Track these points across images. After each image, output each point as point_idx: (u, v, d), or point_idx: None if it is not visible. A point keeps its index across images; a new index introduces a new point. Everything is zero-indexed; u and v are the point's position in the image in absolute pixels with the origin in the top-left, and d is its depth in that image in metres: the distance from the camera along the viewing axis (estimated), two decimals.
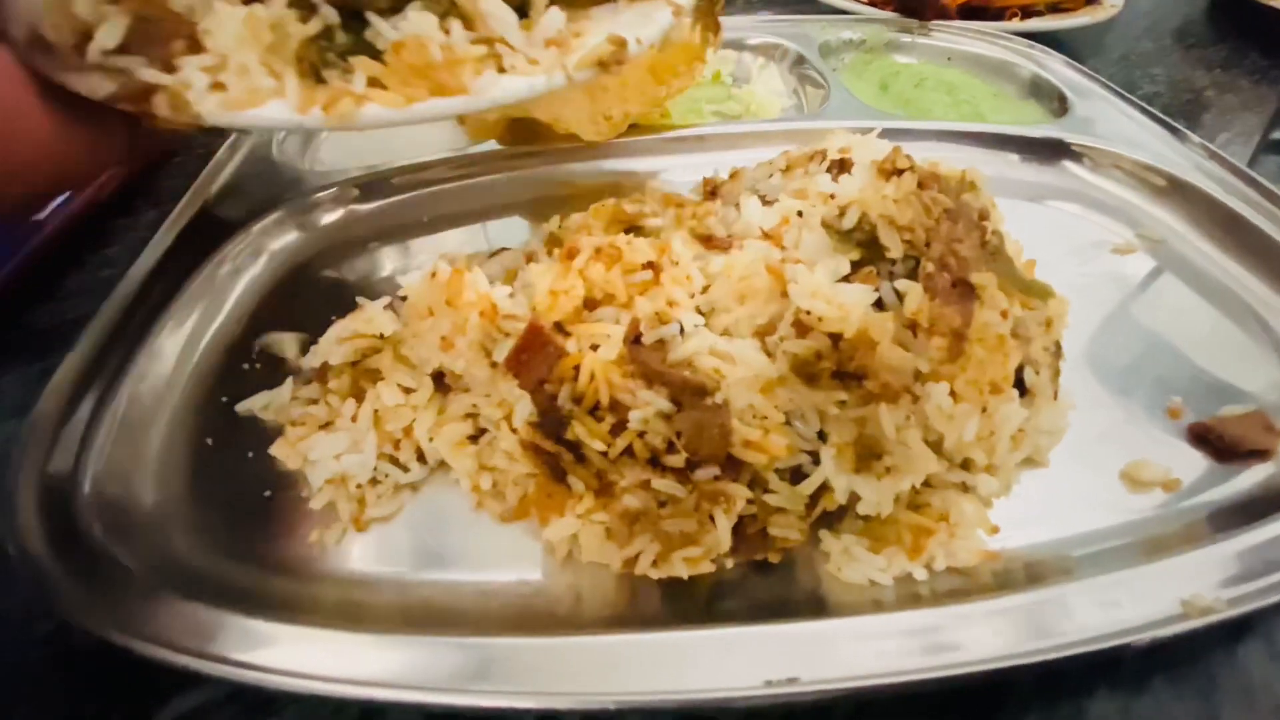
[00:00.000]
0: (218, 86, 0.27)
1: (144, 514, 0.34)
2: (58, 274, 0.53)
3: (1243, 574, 0.31)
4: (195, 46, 0.27)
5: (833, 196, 0.35)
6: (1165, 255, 0.52)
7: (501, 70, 0.28)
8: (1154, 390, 0.42)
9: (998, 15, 0.82)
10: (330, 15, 0.27)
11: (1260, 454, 0.38)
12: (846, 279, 0.32)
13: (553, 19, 0.29)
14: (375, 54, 0.27)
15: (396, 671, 0.27)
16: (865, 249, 0.33)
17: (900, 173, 0.35)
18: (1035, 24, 0.81)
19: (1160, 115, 0.61)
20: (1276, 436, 0.38)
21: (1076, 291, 0.47)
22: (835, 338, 0.30)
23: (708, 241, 0.39)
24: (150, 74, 0.26)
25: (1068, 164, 0.58)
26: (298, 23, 0.26)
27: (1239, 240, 0.50)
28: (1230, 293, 0.48)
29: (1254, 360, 0.43)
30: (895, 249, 0.32)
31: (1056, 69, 0.70)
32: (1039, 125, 0.62)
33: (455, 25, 0.27)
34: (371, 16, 0.27)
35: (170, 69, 0.26)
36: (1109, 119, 0.62)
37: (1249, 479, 0.37)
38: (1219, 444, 0.38)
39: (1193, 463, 0.38)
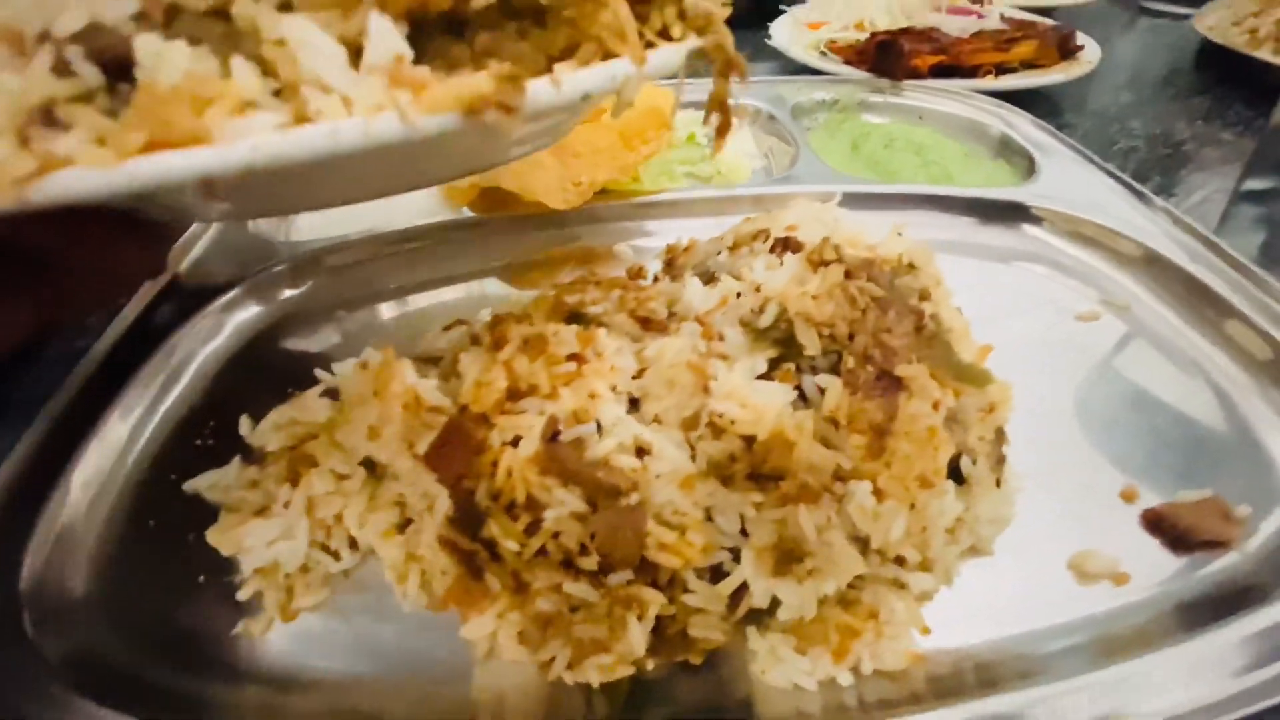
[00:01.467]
0: None
1: (75, 603, 0.35)
2: (39, 342, 0.55)
3: (1186, 687, 0.29)
4: None
5: (758, 289, 0.35)
6: (1130, 323, 0.51)
7: (303, 119, 0.19)
8: (1110, 470, 0.41)
9: (971, 73, 0.83)
10: (88, 73, 0.20)
11: (1217, 545, 0.36)
12: (767, 375, 0.32)
13: (383, 40, 0.20)
14: None
15: None
16: (783, 346, 0.33)
17: (829, 264, 0.35)
18: (1008, 82, 0.82)
19: (1126, 179, 0.60)
20: (1235, 526, 0.37)
21: (1037, 361, 0.47)
22: (749, 439, 0.30)
23: (646, 324, 0.40)
24: None
25: (1031, 228, 0.58)
26: (44, 85, 0.20)
27: (1204, 310, 0.49)
28: (1195, 365, 0.47)
29: (1216, 440, 0.42)
30: (812, 346, 0.32)
31: (1024, 129, 0.70)
32: (1003, 188, 0.63)
33: (240, 64, 0.20)
34: (138, 48, 0.20)
35: None
36: (1075, 181, 0.61)
37: (1207, 572, 0.36)
38: (1172, 533, 0.37)
39: (1148, 552, 0.37)
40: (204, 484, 0.40)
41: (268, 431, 0.39)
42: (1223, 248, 0.51)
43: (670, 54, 0.24)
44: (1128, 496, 0.39)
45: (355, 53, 0.20)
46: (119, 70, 0.20)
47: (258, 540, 0.36)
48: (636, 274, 0.56)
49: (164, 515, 0.39)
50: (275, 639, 0.34)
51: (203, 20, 0.21)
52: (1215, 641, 0.31)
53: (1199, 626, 0.32)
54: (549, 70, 0.21)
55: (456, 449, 0.32)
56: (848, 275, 0.36)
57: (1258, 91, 0.90)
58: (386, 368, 0.35)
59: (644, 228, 0.63)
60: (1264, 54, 0.90)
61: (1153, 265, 0.53)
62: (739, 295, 0.38)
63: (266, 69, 0.20)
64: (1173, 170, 0.75)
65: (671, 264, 0.52)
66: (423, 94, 0.19)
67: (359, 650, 0.34)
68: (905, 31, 0.85)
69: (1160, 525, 0.37)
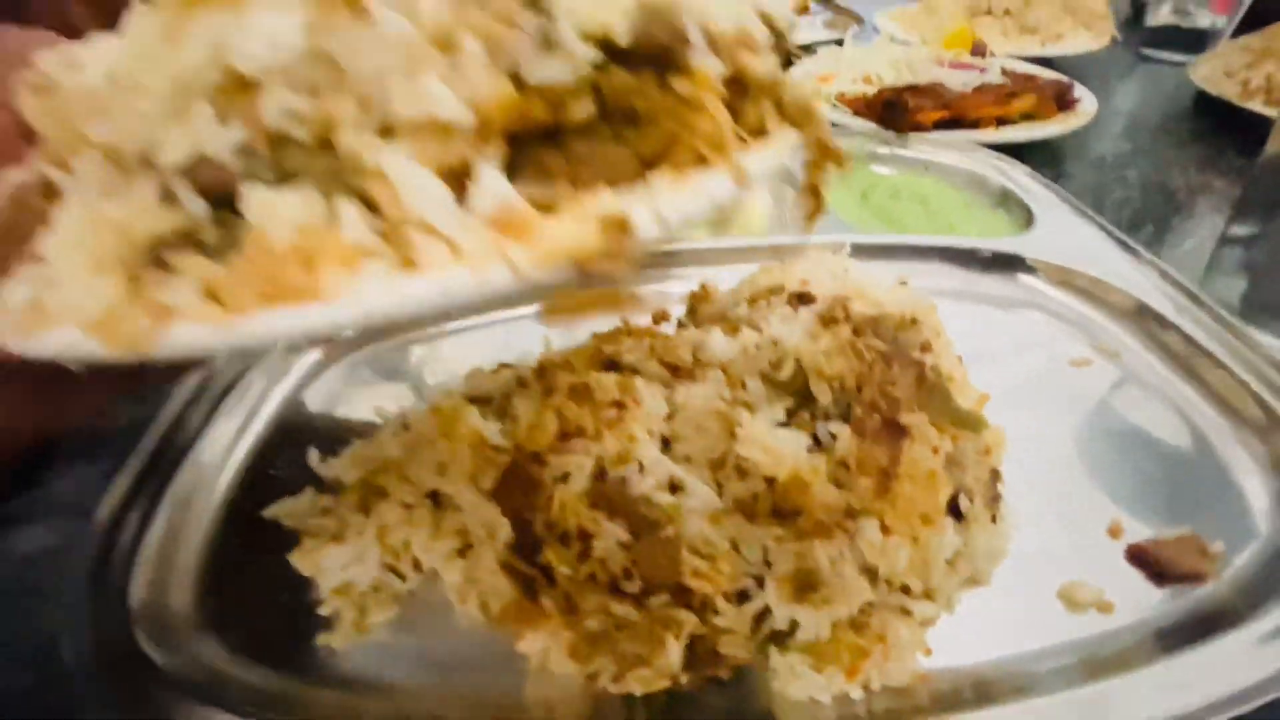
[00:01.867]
0: (33, 303, 0.21)
1: (179, 618, 0.39)
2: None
3: (1163, 702, 0.33)
4: None
5: (776, 344, 0.40)
6: (1120, 371, 0.55)
7: (410, 265, 0.19)
8: (1098, 508, 0.45)
9: (974, 125, 0.89)
10: (195, 208, 0.20)
11: (1194, 578, 0.40)
12: (786, 423, 0.37)
13: (492, 187, 0.20)
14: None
15: None
16: (799, 396, 0.38)
17: (838, 321, 0.40)
18: (1008, 135, 0.87)
19: (1117, 233, 0.65)
20: (1210, 561, 0.41)
21: (1032, 404, 0.51)
22: (770, 480, 0.35)
23: (675, 371, 0.45)
24: None
25: (1027, 277, 0.63)
26: (150, 217, 0.20)
27: (1188, 359, 0.53)
28: (1178, 411, 0.51)
29: (1196, 481, 0.46)
30: (824, 398, 0.37)
31: (1022, 181, 0.75)
32: (1001, 239, 0.67)
33: (348, 208, 0.19)
34: (246, 200, 0.20)
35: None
36: (1069, 234, 0.66)
37: (1184, 602, 0.39)
38: (1154, 566, 0.41)
39: (1131, 583, 0.41)
40: (281, 510, 0.45)
41: (343, 465, 0.44)
42: (1205, 301, 0.55)
43: (772, 160, 0.23)
44: (1114, 532, 0.43)
45: (451, 177, 0.20)
46: (223, 199, 0.21)
47: (334, 563, 0.41)
48: (660, 318, 0.61)
49: (248, 539, 0.44)
50: (351, 650, 0.39)
51: (307, 152, 0.21)
52: (1189, 662, 0.35)
53: (1175, 650, 0.36)
54: (643, 174, 0.21)
55: (517, 485, 0.37)
56: (855, 332, 0.41)
57: (1249, 140, 0.94)
58: (455, 411, 0.40)
59: (668, 274, 0.68)
60: (1255, 105, 0.95)
61: (1141, 316, 0.57)
62: (758, 347, 0.43)
63: (370, 204, 0.20)
64: (1166, 218, 0.79)
65: (694, 311, 0.57)
66: (530, 242, 0.19)
67: (424, 661, 0.38)
68: (911, 88, 0.90)
69: (1143, 559, 0.41)
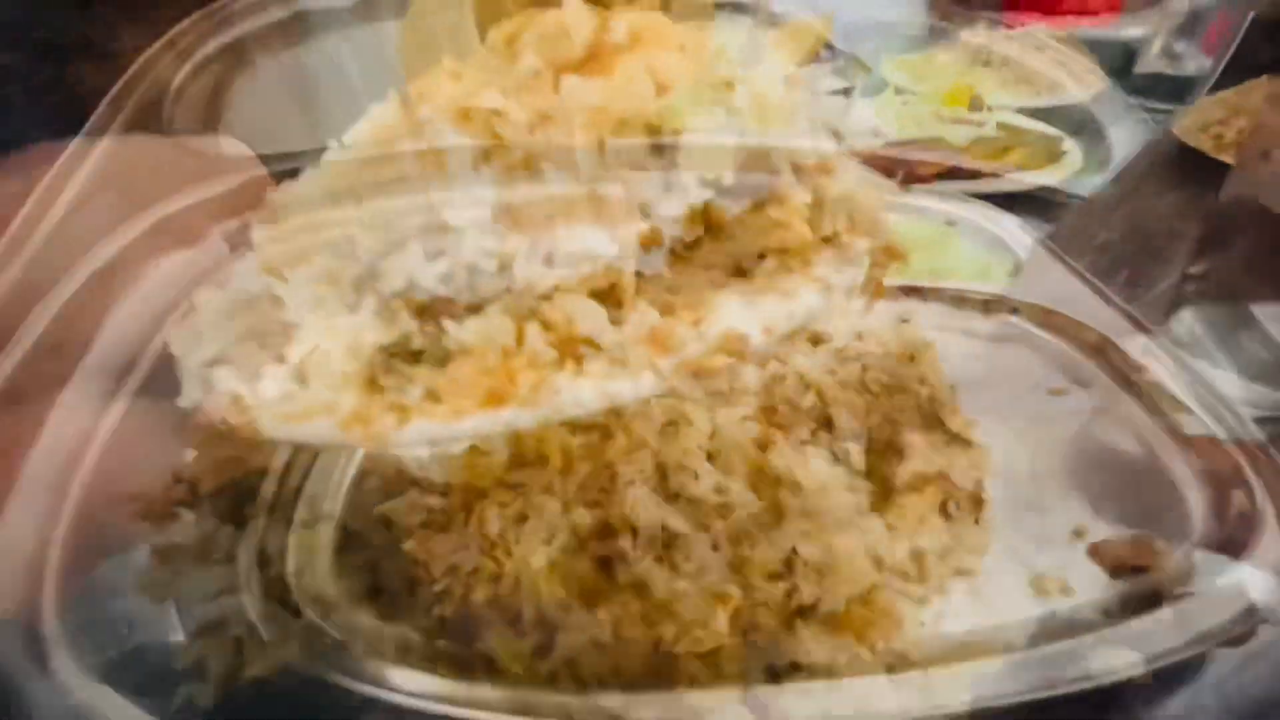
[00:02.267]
0: (288, 397, 0.25)
1: (327, 592, 0.50)
2: None
3: (1109, 658, 0.43)
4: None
5: (801, 376, 0.50)
6: (1091, 399, 0.64)
7: (580, 373, 0.24)
8: (1065, 513, 0.54)
9: (972, 176, 0.99)
10: (406, 323, 0.25)
11: (1143, 570, 0.49)
12: (811, 441, 0.47)
13: (645, 315, 0.25)
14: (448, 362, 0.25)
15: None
16: (820, 419, 0.48)
17: (850, 359, 0.50)
18: (1001, 185, 0.97)
19: (1091, 279, 0.75)
20: (1155, 556, 0.50)
21: (1014, 425, 0.61)
22: (798, 488, 0.44)
23: (714, 395, 0.55)
24: (233, 384, 0.25)
25: (1013, 317, 0.73)
26: (374, 330, 0.25)
27: (1147, 392, 0.63)
28: (1137, 433, 0.60)
29: (1147, 492, 0.55)
30: (841, 422, 0.47)
31: (1010, 230, 0.85)
32: (992, 283, 0.77)
33: (531, 328, 0.24)
34: (445, 322, 0.25)
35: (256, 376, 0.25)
36: (1051, 278, 0.76)
37: (1130, 586, 0.49)
38: (1110, 561, 0.50)
39: (1091, 575, 0.50)
40: (392, 508, 0.56)
41: (444, 470, 0.55)
42: (1162, 341, 0.65)
43: (850, 273, 0.28)
44: (1078, 533, 0.52)
45: (599, 294, 0.25)
46: (425, 313, 0.25)
47: (441, 550, 0.51)
48: None
49: (368, 531, 0.55)
50: (460, 618, 0.49)
51: (491, 279, 0.26)
52: (1130, 629, 0.44)
53: (1120, 621, 0.45)
54: (739, 272, 0.28)
55: (596, 487, 0.47)
56: (865, 368, 0.51)
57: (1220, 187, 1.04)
58: (553, 432, 0.50)
59: None
60: (1227, 157, 1.04)
61: (1110, 352, 0.67)
62: (785, 379, 0.53)
63: (545, 324, 0.25)
64: (1142, 264, 0.89)
65: None
66: (675, 354, 0.24)
67: (517, 626, 0.48)
68: (914, 143, 1.01)
69: (1102, 555, 0.51)
